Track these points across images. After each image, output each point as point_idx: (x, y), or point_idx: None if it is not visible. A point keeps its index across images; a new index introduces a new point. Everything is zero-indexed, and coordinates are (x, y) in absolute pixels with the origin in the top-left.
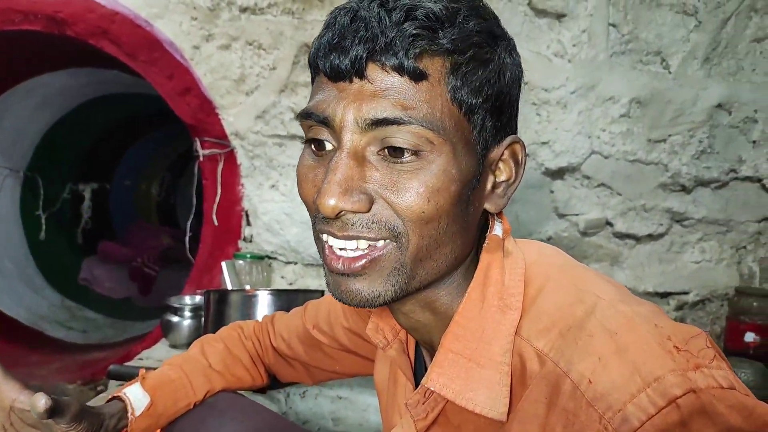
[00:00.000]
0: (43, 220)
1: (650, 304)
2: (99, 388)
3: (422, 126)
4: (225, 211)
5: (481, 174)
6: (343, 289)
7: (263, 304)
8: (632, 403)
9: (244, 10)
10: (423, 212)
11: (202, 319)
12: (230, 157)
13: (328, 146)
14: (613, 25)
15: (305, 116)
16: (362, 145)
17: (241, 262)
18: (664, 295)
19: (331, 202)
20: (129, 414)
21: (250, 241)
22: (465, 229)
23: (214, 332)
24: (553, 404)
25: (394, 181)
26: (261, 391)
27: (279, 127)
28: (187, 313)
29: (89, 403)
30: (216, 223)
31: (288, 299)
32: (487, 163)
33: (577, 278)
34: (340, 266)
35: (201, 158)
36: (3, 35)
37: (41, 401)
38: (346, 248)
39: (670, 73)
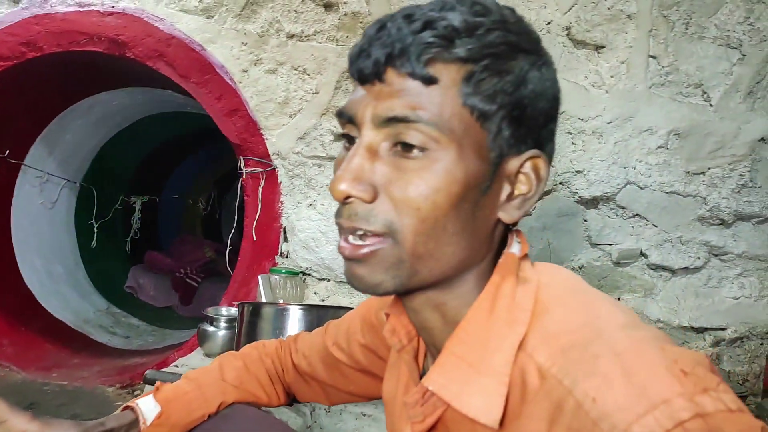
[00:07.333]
0: (95, 229)
1: (656, 329)
2: (136, 393)
3: (429, 125)
4: (264, 227)
5: (494, 181)
6: (350, 273)
7: (294, 318)
8: (638, 423)
9: (291, 36)
10: (419, 209)
11: (236, 330)
12: (272, 175)
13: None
14: (653, 57)
15: (339, 115)
16: (377, 141)
17: (276, 276)
18: (700, 330)
19: (341, 187)
20: (141, 423)
21: (287, 257)
22: (470, 232)
23: (247, 343)
24: (554, 422)
25: (399, 177)
26: (288, 403)
27: (318, 148)
28: (223, 324)
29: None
30: (255, 239)
31: (319, 315)
32: (503, 173)
33: (587, 301)
34: (347, 252)
35: (244, 176)
36: (69, 55)
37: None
38: (352, 236)
39: (711, 105)
